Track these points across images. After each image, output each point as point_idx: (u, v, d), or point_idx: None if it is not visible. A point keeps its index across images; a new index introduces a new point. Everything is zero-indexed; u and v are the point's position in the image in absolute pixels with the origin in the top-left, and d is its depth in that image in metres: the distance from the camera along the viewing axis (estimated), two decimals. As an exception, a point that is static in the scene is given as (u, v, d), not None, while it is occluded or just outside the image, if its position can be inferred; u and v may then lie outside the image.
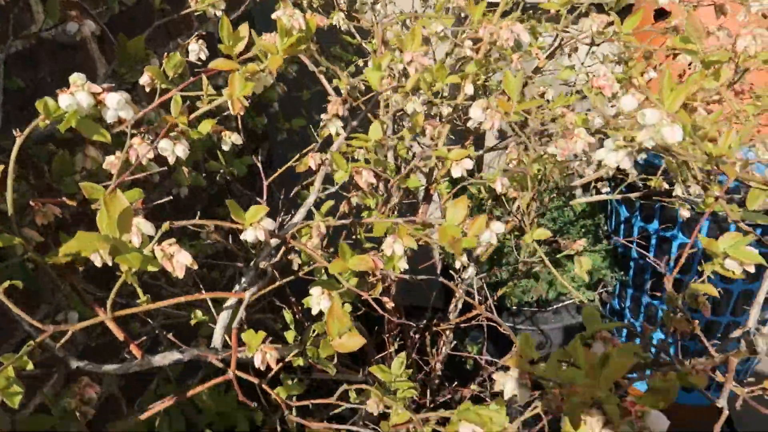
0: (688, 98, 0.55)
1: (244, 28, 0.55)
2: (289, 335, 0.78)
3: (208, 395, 0.82)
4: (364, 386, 0.73)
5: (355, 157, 0.70)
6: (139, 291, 0.52)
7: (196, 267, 0.46)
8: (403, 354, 0.78)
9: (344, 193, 0.83)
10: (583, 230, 1.90)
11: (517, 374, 0.48)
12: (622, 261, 1.78)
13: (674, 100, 0.45)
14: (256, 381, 0.57)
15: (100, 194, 0.48)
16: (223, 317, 0.60)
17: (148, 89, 0.63)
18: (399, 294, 1.22)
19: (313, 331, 0.80)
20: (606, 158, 0.51)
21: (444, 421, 0.58)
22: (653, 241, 1.59)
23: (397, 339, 1.21)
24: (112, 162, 0.54)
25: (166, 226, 0.44)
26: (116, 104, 0.51)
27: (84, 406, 0.54)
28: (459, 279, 1.29)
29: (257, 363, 0.50)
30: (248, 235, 0.56)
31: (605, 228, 1.92)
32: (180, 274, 0.45)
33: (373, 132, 0.68)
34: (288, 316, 0.76)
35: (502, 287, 1.54)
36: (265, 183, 0.69)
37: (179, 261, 0.45)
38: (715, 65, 0.56)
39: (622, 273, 1.77)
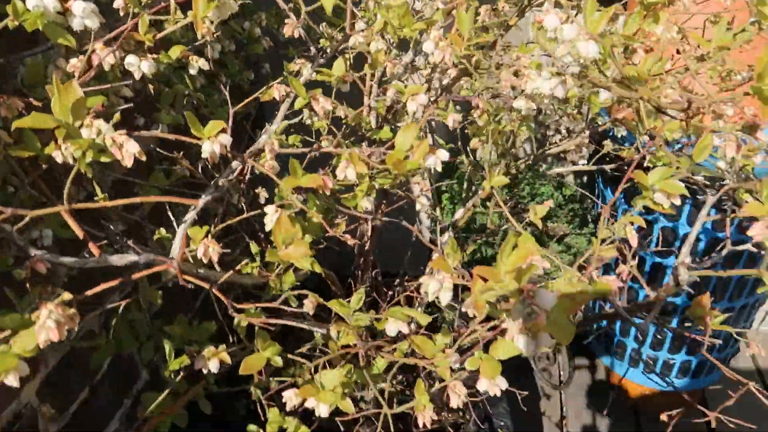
0: (628, 38, 0.58)
1: (209, -48, 0.59)
2: (254, 267, 0.82)
3: (179, 325, 0.85)
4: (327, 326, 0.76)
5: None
6: (97, 188, 0.56)
7: (144, 158, 0.49)
8: (362, 290, 0.81)
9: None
10: (571, 214, 1.93)
11: (441, 277, 0.52)
12: (607, 244, 1.80)
13: (596, 23, 0.48)
14: (206, 286, 0.60)
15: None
16: (181, 229, 0.64)
17: (122, 13, 0.67)
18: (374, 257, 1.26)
19: (277, 264, 0.84)
20: (541, 86, 0.54)
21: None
22: (635, 225, 1.61)
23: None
24: (74, 64, 0.58)
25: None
26: (82, 12, 0.54)
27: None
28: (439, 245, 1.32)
29: (199, 254, 0.54)
30: (205, 148, 0.60)
31: (593, 213, 1.95)
32: (128, 162, 0.49)
33: (337, 68, 0.71)
34: (254, 247, 0.80)
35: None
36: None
37: (128, 150, 0.49)
38: (655, 7, 0.58)
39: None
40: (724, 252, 0.55)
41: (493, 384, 0.58)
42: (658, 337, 1.66)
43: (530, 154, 1.23)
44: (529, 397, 1.92)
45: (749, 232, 0.46)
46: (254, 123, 1.50)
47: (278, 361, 0.65)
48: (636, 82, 0.48)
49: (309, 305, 0.64)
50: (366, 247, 1.12)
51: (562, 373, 1.98)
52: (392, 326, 0.53)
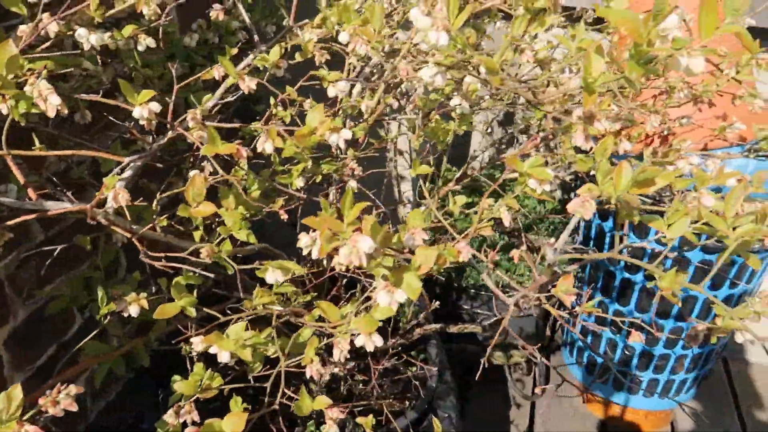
0: (514, 40, 0.64)
1: (152, -58, 0.68)
2: (197, 234, 0.89)
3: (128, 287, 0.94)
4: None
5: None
6: (35, 138, 0.65)
7: (66, 112, 0.57)
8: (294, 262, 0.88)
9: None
10: (551, 227, 1.96)
11: (315, 234, 0.58)
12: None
13: (459, 18, 0.55)
14: (128, 235, 0.68)
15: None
16: (120, 184, 0.72)
17: (84, -7, 0.76)
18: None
19: (219, 234, 0.92)
20: (422, 74, 0.61)
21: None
22: (607, 240, 1.64)
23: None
24: (23, 30, 0.66)
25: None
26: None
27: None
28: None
29: (109, 200, 0.61)
30: (136, 112, 0.68)
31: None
32: (51, 113, 0.57)
33: (272, 54, 0.79)
34: (182, 209, 0.88)
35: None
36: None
37: (51, 102, 0.57)
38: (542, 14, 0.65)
39: (580, 270, 1.82)
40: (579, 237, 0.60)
41: (369, 340, 0.64)
42: (626, 353, 1.68)
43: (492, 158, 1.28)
44: (502, 406, 1.95)
45: (568, 207, 0.51)
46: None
47: (192, 312, 0.72)
48: (490, 72, 0.55)
49: (204, 252, 0.72)
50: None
51: (536, 383, 2.01)
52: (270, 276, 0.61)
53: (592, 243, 1.71)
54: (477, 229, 0.66)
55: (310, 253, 0.60)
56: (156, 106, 0.68)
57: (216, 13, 0.78)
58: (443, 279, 1.85)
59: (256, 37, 0.82)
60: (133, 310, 0.72)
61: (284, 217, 0.89)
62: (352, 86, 0.79)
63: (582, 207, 0.50)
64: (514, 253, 0.71)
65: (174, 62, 0.78)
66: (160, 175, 1.03)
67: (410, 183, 1.89)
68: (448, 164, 1.89)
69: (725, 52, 0.80)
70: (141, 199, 0.76)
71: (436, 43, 0.52)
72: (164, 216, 0.72)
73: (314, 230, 0.61)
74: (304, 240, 0.58)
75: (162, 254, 0.69)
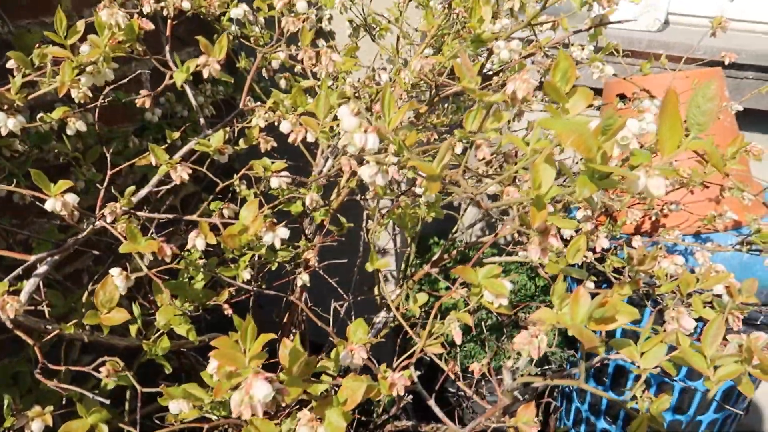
0: (466, 135, 0.58)
1: (80, 24, 0.63)
2: (132, 328, 0.81)
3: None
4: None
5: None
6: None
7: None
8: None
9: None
10: (543, 305, 1.87)
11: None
12: (573, 339, 1.73)
13: (393, 119, 0.49)
14: (30, 341, 0.60)
15: None
16: (30, 283, 0.64)
17: (15, 73, 0.71)
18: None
19: (157, 329, 0.84)
20: (362, 172, 0.54)
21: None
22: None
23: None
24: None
25: None
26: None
27: None
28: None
29: (-4, 309, 0.54)
30: (48, 204, 0.61)
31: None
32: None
33: (215, 140, 0.73)
34: (136, 309, 0.80)
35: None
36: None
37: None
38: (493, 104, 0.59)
39: (572, 353, 1.71)
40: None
41: None
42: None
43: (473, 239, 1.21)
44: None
45: (514, 343, 0.43)
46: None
47: (103, 429, 0.63)
48: (430, 179, 0.48)
49: (104, 372, 0.63)
50: (284, 320, 1.10)
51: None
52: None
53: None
54: (425, 346, 0.58)
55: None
56: (73, 198, 0.61)
57: (141, 100, 0.72)
58: (428, 359, 1.74)
59: (202, 120, 0.76)
60: (36, 427, 0.63)
61: (228, 311, 0.81)
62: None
63: (530, 344, 0.42)
64: (474, 367, 0.63)
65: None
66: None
67: (393, 256, 1.82)
68: (435, 237, 1.82)
69: (689, 172, 0.74)
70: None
71: (363, 146, 0.45)
72: (74, 321, 0.64)
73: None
74: (211, 365, 0.50)
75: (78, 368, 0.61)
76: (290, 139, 0.64)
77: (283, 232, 0.61)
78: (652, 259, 0.63)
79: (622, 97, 1.32)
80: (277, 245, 0.62)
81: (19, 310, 0.53)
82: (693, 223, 1.25)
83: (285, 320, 1.11)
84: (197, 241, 0.65)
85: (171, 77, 0.74)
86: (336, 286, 0.97)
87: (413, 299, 0.81)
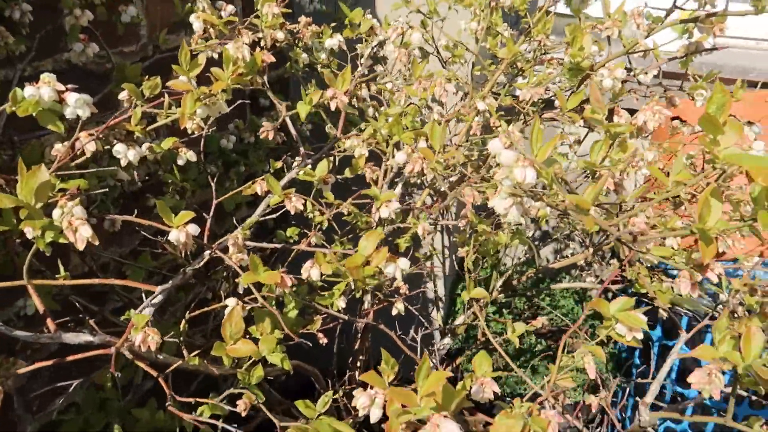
0: (591, 165, 0.58)
1: (202, 57, 0.64)
2: (227, 360, 0.81)
3: (145, 412, 0.85)
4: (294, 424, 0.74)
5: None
6: (61, 267, 0.58)
7: (97, 243, 0.51)
8: (329, 392, 0.79)
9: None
10: (591, 330, 1.85)
11: (374, 392, 0.50)
12: (626, 367, 1.71)
13: (542, 151, 0.49)
14: (154, 373, 0.60)
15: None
16: (146, 312, 0.65)
17: (126, 104, 0.72)
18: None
19: (249, 357, 0.83)
20: (495, 205, 0.54)
21: None
22: (655, 349, 1.52)
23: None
24: (58, 149, 0.62)
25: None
26: (75, 102, 0.59)
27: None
28: (435, 347, 1.28)
29: (137, 342, 0.54)
30: (172, 236, 0.62)
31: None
32: (80, 246, 0.51)
33: (319, 169, 0.73)
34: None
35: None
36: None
37: (82, 234, 0.51)
38: (621, 137, 0.59)
39: (625, 380, 1.69)
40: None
41: None
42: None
43: (538, 267, 1.20)
44: None
45: (689, 379, 0.42)
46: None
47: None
48: (581, 212, 0.48)
49: (242, 405, 0.63)
50: (356, 346, 1.10)
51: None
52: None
53: (637, 351, 1.59)
54: (556, 379, 0.57)
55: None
56: (194, 229, 0.62)
57: (265, 132, 0.73)
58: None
59: (301, 149, 0.77)
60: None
61: (323, 340, 0.81)
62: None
63: (710, 383, 0.42)
64: (591, 400, 0.62)
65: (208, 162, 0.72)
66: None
67: (442, 280, 1.81)
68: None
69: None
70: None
71: (522, 181, 0.45)
72: (196, 352, 0.64)
73: (372, 387, 0.52)
74: (361, 400, 0.50)
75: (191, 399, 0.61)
76: (406, 171, 0.65)
77: (403, 263, 0.61)
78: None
79: (676, 119, 1.31)
80: (398, 277, 0.62)
81: (158, 343, 0.53)
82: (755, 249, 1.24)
83: (357, 346, 1.11)
84: (312, 271, 0.65)
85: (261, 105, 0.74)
86: (417, 313, 0.96)
87: (510, 329, 0.80)
